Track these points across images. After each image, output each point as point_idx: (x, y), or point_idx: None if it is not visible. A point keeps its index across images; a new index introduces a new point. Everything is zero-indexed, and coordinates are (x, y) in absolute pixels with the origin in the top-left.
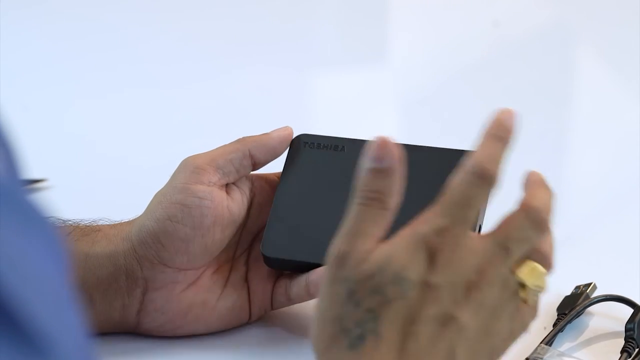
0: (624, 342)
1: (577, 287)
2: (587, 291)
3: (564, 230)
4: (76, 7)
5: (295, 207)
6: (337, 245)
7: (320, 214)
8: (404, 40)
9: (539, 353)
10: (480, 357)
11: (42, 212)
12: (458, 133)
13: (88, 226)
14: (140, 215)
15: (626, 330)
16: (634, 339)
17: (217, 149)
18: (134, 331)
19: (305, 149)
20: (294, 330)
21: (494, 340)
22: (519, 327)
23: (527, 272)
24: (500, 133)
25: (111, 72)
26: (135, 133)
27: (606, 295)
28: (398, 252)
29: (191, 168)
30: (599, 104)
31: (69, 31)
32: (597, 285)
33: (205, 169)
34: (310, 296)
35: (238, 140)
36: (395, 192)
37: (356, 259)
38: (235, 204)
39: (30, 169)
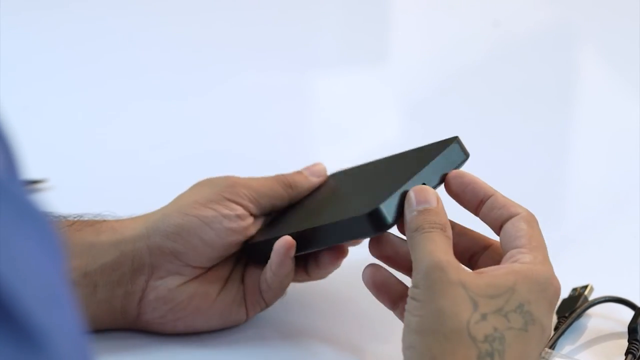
0: (627, 343)
1: (574, 290)
2: (585, 293)
3: (561, 232)
4: (76, 7)
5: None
6: (427, 260)
7: (293, 214)
8: (405, 41)
9: (543, 357)
10: None
11: (39, 208)
12: (458, 133)
13: (92, 218)
14: (159, 210)
15: (629, 331)
16: (637, 340)
17: (258, 180)
18: (134, 325)
19: None
20: (290, 330)
21: None
22: None
23: None
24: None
25: (112, 72)
26: (136, 133)
27: (606, 297)
28: (524, 287)
29: (234, 186)
30: (599, 104)
31: (69, 31)
32: (593, 287)
33: (247, 195)
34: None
35: (279, 180)
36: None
37: (459, 269)
38: (254, 227)
39: (30, 168)
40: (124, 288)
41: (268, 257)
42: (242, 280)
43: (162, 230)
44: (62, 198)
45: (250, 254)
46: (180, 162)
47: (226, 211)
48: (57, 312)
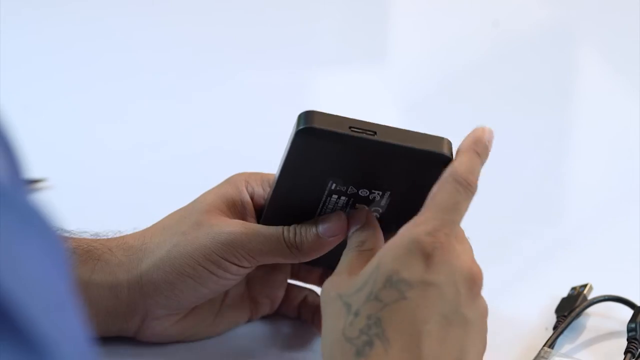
0: (626, 342)
1: (574, 289)
2: (584, 292)
3: (560, 231)
4: (76, 7)
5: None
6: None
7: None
8: (404, 41)
9: (542, 356)
10: (480, 348)
11: (43, 214)
12: (458, 133)
13: (86, 252)
14: (155, 249)
15: (628, 330)
16: (637, 339)
17: (258, 236)
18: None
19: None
20: (294, 328)
21: (486, 332)
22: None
23: None
24: (479, 149)
25: (112, 72)
26: (136, 133)
27: (605, 296)
28: (387, 258)
29: (232, 245)
30: (599, 104)
31: (70, 30)
32: (592, 286)
33: (245, 257)
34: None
35: (284, 241)
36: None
37: (339, 281)
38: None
39: (31, 168)
40: (119, 326)
41: None
42: (246, 298)
43: (156, 284)
44: (62, 198)
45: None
46: (180, 162)
47: (221, 271)
48: (61, 320)
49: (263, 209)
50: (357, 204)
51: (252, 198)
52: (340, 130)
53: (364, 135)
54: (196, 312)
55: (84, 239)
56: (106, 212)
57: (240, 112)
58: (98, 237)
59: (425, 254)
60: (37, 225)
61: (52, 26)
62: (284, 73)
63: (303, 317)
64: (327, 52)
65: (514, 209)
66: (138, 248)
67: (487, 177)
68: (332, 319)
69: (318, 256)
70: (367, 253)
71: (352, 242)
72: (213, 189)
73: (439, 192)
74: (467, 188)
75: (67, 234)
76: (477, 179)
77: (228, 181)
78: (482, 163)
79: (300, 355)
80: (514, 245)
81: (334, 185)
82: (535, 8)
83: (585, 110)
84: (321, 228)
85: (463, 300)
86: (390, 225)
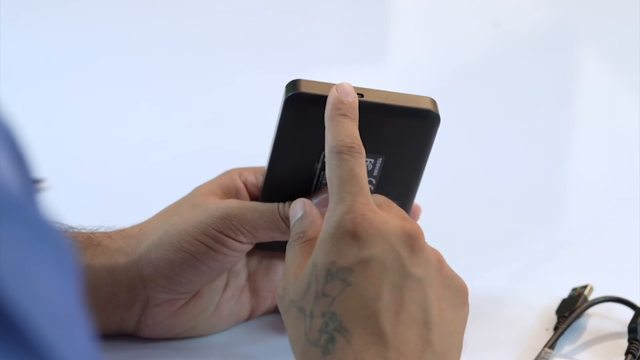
0: (627, 343)
1: (574, 289)
2: (585, 293)
3: (561, 232)
4: (76, 9)
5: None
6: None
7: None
8: (404, 41)
9: (543, 357)
10: (452, 300)
11: (52, 223)
12: (458, 133)
13: (86, 239)
14: (153, 231)
15: (629, 331)
16: (637, 340)
17: (254, 212)
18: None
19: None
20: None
21: (454, 281)
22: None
23: None
24: (342, 111)
25: (112, 71)
26: (137, 133)
27: (606, 297)
28: (320, 253)
29: (227, 218)
30: (599, 104)
31: (70, 30)
32: (593, 287)
33: (241, 230)
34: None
35: (279, 212)
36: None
37: (286, 287)
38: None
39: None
40: (120, 315)
41: None
42: (246, 287)
43: (155, 264)
44: (62, 198)
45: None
46: (180, 162)
47: (218, 246)
48: (70, 334)
49: (258, 195)
50: None
51: (245, 187)
52: (327, 94)
53: None
54: (197, 300)
55: (84, 231)
56: (106, 213)
57: (241, 113)
58: (98, 230)
59: (351, 234)
60: (49, 240)
61: (52, 28)
62: (284, 74)
63: None
64: (327, 53)
65: (514, 209)
66: (136, 233)
67: (487, 178)
68: (292, 328)
69: None
70: (309, 243)
71: (293, 235)
72: (209, 180)
73: (330, 172)
74: (350, 152)
75: (67, 228)
76: (354, 139)
77: (221, 174)
78: (353, 119)
79: None
80: (514, 246)
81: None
82: (535, 8)
83: (585, 111)
84: (315, 200)
85: (406, 261)
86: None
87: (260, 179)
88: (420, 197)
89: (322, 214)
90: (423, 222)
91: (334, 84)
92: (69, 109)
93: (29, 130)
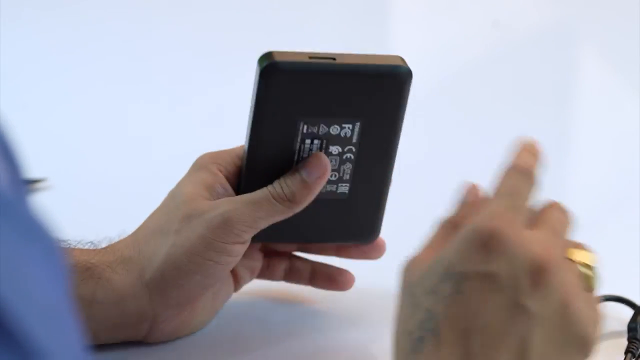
0: (626, 342)
1: None
2: None
3: None
4: (76, 9)
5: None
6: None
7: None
8: (404, 41)
9: None
10: (564, 346)
11: (43, 224)
12: (458, 133)
13: (85, 270)
14: (153, 255)
15: (629, 330)
16: (637, 339)
17: (250, 206)
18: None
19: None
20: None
21: (576, 328)
22: (597, 313)
23: (582, 255)
24: (532, 151)
25: (112, 71)
26: (137, 133)
27: (605, 296)
28: (449, 250)
29: (227, 224)
30: (599, 104)
31: (70, 30)
32: None
33: (243, 230)
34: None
35: (274, 197)
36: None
37: (415, 265)
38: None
39: (30, 168)
40: (126, 334)
41: None
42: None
43: (163, 290)
44: (62, 198)
45: None
46: (181, 162)
47: (224, 257)
48: (59, 334)
49: (240, 180)
50: (330, 146)
51: (227, 179)
52: (300, 60)
53: (325, 62)
54: (199, 302)
55: (82, 253)
56: (106, 213)
57: (241, 113)
58: (94, 248)
59: (484, 243)
60: (40, 240)
61: (52, 28)
62: None
63: (289, 281)
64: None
65: None
66: (136, 259)
67: (487, 177)
68: (400, 308)
69: (309, 202)
70: (455, 230)
71: (451, 215)
72: (185, 178)
73: (499, 182)
74: (525, 173)
75: (64, 245)
76: (534, 169)
77: (198, 167)
78: (538, 161)
79: (301, 345)
80: None
81: (305, 127)
82: (535, 8)
83: (586, 111)
84: (304, 173)
85: (523, 290)
86: (366, 169)
87: (237, 162)
88: (420, 197)
89: (315, 187)
90: (423, 223)
91: (307, 52)
92: (69, 108)
93: (28, 129)
